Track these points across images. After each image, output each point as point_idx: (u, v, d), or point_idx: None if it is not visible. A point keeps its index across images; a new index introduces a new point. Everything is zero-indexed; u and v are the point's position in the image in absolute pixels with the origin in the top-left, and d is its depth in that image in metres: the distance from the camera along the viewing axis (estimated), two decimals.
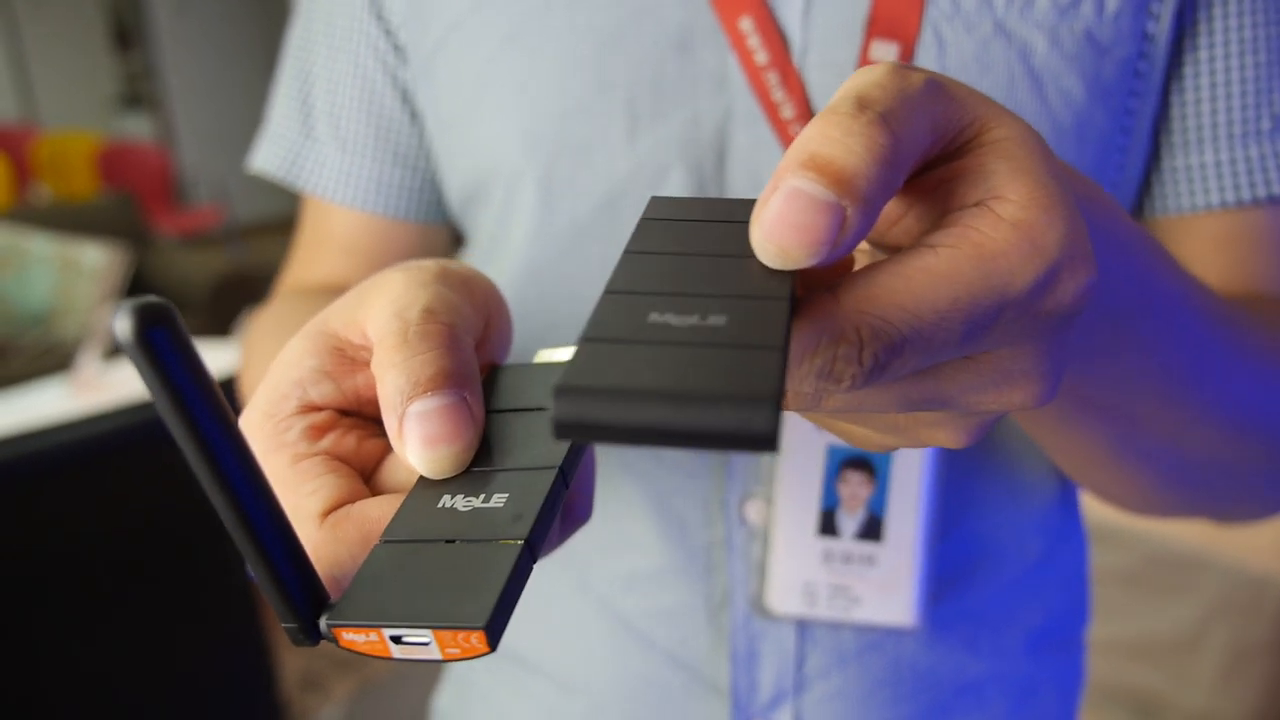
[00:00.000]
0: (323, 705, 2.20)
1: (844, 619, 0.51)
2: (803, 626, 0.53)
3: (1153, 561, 2.01)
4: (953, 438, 0.30)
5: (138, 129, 5.24)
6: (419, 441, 0.29)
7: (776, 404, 0.20)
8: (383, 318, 0.31)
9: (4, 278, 2.89)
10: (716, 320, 0.23)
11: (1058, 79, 0.46)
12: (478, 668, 0.63)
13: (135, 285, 3.17)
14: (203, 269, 3.28)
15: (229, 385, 0.59)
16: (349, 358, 0.32)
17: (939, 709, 0.55)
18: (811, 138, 0.24)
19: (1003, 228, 0.25)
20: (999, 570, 0.55)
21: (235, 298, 3.09)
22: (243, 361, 0.58)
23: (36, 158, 4.12)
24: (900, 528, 0.50)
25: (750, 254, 0.25)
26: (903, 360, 0.24)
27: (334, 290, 0.56)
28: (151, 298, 0.22)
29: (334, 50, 0.57)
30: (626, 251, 0.27)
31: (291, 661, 2.27)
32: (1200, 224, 0.51)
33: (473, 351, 0.31)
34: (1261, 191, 0.49)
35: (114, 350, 2.24)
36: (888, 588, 0.50)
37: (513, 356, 0.55)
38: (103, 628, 1.53)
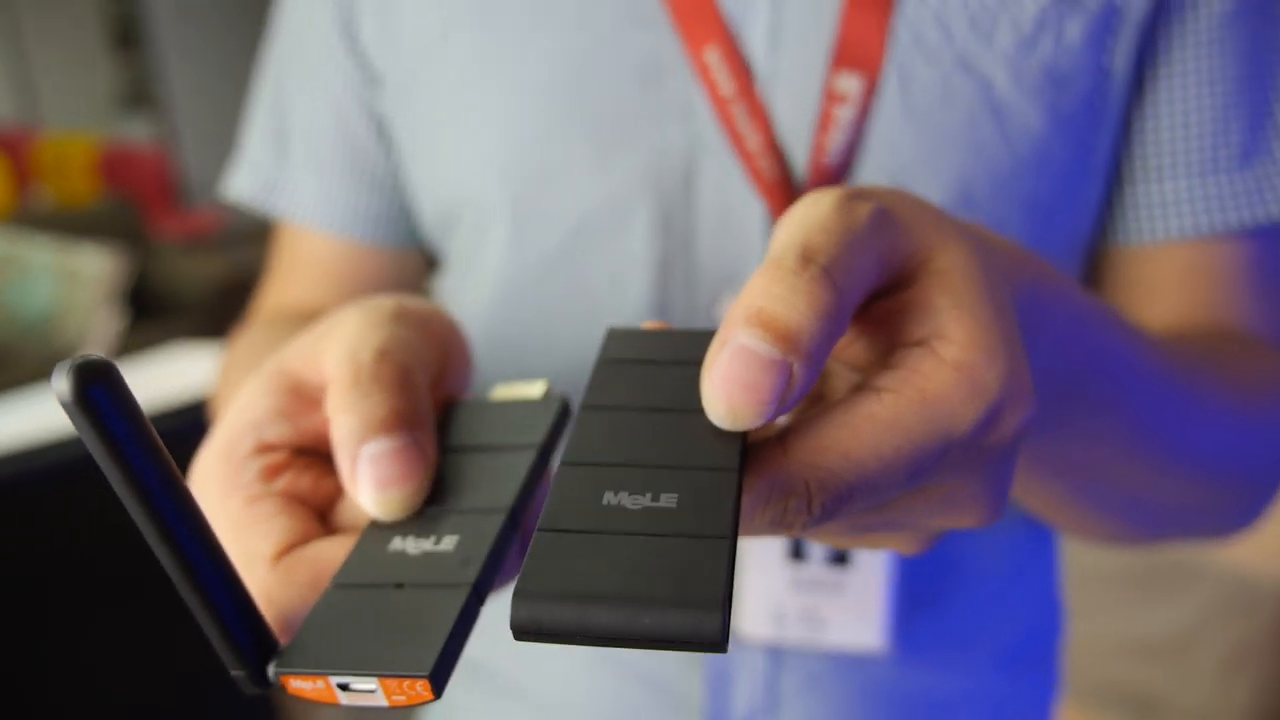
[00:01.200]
0: (323, 711, 2.21)
1: (813, 642, 0.52)
2: (774, 649, 0.53)
3: (1151, 562, 2.01)
4: (905, 549, 0.31)
5: (139, 131, 5.24)
6: (371, 484, 0.29)
7: (724, 609, 0.22)
8: (336, 358, 0.31)
9: (4, 285, 2.90)
10: (668, 501, 0.24)
11: (1018, 112, 0.47)
12: (459, 689, 0.63)
13: (136, 290, 3.17)
14: (204, 273, 3.28)
15: (186, 412, 0.59)
16: (306, 397, 0.33)
17: None
18: (757, 293, 0.25)
19: (945, 370, 0.26)
20: (970, 590, 0.56)
21: (237, 302, 3.09)
22: (218, 387, 0.58)
23: (38, 160, 4.13)
24: (868, 553, 0.50)
25: (702, 407, 0.26)
26: (851, 506, 0.26)
27: (310, 316, 0.57)
28: (91, 355, 0.22)
29: (307, 76, 0.58)
30: (583, 407, 0.28)
31: None
32: (1163, 254, 0.51)
33: (427, 391, 0.32)
34: (1221, 224, 0.50)
35: (115, 355, 2.25)
36: (856, 612, 0.51)
37: (486, 383, 0.56)
38: (104, 632, 1.54)
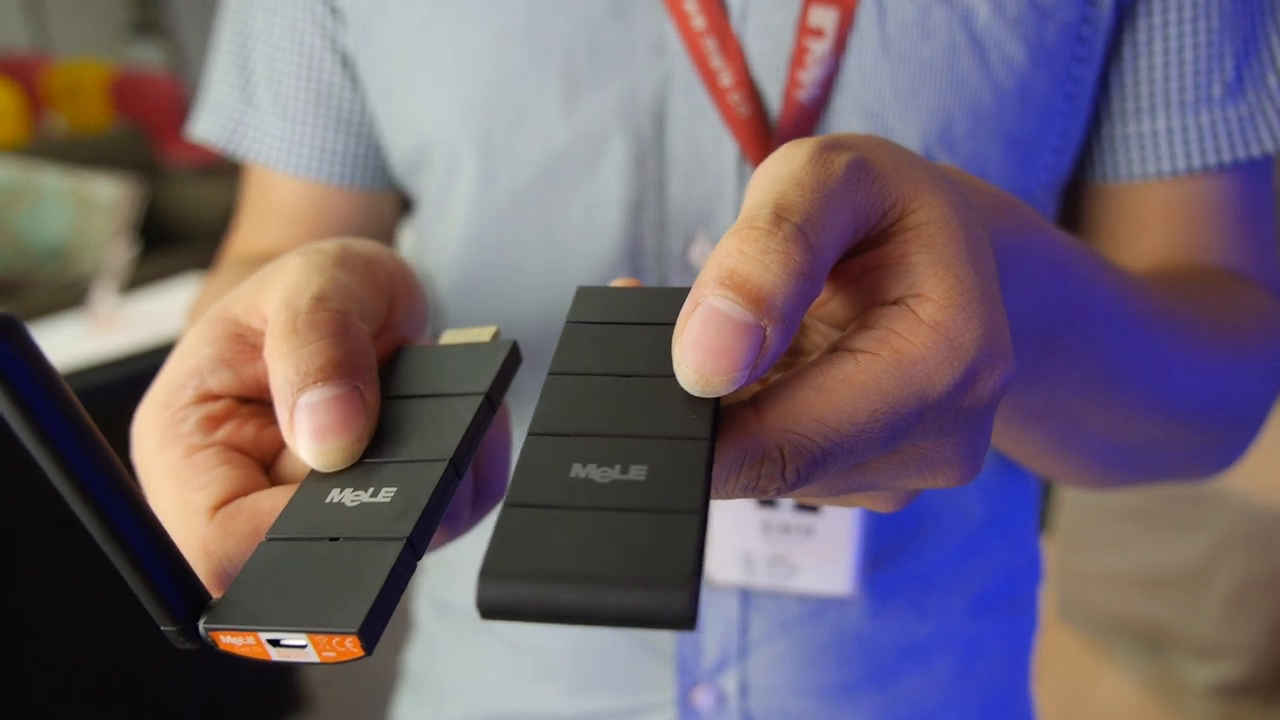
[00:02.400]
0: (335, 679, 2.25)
1: (782, 587, 0.52)
2: (745, 594, 0.53)
3: (1162, 496, 2.01)
4: (881, 507, 0.30)
5: (149, 56, 5.20)
6: (308, 434, 0.28)
7: (692, 586, 0.21)
8: (274, 305, 0.30)
9: (18, 213, 2.91)
10: (637, 473, 0.24)
11: (1000, 44, 0.45)
12: (439, 629, 0.64)
13: (149, 218, 3.17)
14: (215, 200, 3.27)
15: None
16: (249, 344, 0.32)
17: (884, 672, 0.56)
18: (729, 252, 0.24)
19: (921, 330, 0.25)
20: (941, 536, 0.55)
21: None
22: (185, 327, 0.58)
23: (50, 88, 4.11)
24: None
25: (673, 371, 0.25)
26: (825, 470, 0.25)
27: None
28: None
29: (271, 15, 0.56)
30: (551, 373, 0.28)
31: None
32: (1148, 191, 0.50)
33: (367, 338, 0.31)
34: (1212, 159, 0.48)
35: (130, 286, 2.25)
36: (825, 557, 0.50)
37: (460, 322, 0.55)
38: (111, 570, 1.56)
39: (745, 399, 0.26)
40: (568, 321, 0.30)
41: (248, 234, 0.62)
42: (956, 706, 0.58)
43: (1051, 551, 2.25)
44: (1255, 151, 0.48)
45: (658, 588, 0.21)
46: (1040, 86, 0.46)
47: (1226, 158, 0.48)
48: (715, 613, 0.53)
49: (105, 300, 2.06)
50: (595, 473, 0.24)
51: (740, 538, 0.50)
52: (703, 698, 0.55)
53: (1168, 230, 0.50)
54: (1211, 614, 1.98)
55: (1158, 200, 0.50)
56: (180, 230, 3.25)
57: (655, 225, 0.48)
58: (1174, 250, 0.50)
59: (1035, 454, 0.47)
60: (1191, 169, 0.48)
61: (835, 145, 0.27)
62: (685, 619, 0.21)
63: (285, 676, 1.85)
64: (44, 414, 0.22)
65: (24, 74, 4.04)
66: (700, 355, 0.24)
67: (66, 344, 1.94)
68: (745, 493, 0.25)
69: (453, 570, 0.61)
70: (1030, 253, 0.33)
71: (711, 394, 0.24)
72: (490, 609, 0.22)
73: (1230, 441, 0.50)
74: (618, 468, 0.24)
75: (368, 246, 0.33)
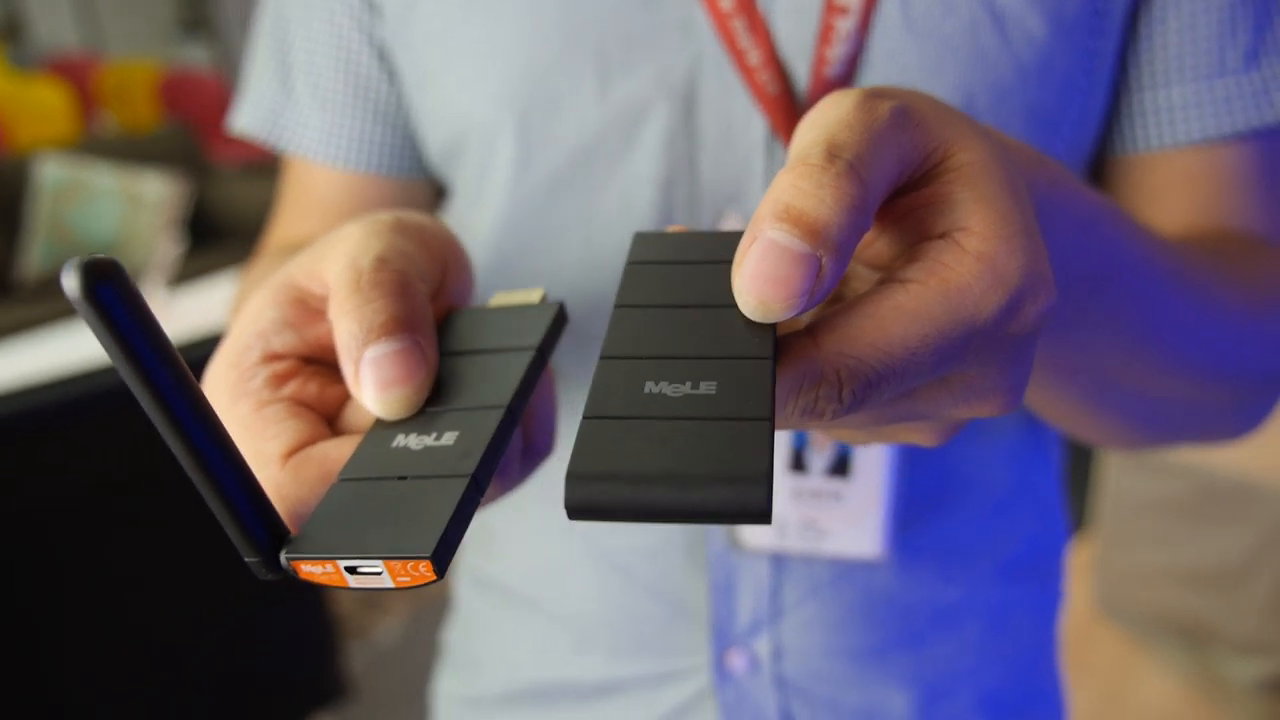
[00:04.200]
0: (381, 621, 2.29)
1: (813, 551, 0.53)
2: (777, 559, 0.54)
3: (1204, 491, 1.99)
4: (926, 440, 0.32)
5: (197, 56, 5.29)
6: (373, 385, 0.30)
7: (768, 482, 0.23)
8: (338, 268, 0.32)
9: (71, 210, 2.98)
10: (707, 388, 0.25)
11: (1020, 19, 0.46)
12: (480, 604, 0.66)
13: (196, 214, 3.23)
14: (260, 197, 3.32)
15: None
16: (311, 308, 0.34)
17: (912, 634, 0.57)
18: (785, 188, 0.25)
19: (967, 260, 0.26)
20: (969, 501, 0.56)
21: None
22: (229, 319, 0.60)
23: (102, 87, 4.19)
24: (867, 465, 0.51)
25: (732, 302, 0.27)
26: (879, 394, 0.26)
27: None
28: (99, 255, 0.23)
29: (308, 8, 0.57)
30: (617, 306, 0.29)
31: None
32: (1169, 160, 0.51)
33: (425, 297, 0.33)
34: (1228, 127, 0.49)
35: (177, 280, 2.30)
36: (855, 521, 0.52)
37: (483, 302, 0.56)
38: (160, 555, 1.59)
39: (800, 328, 0.27)
40: (628, 262, 0.31)
41: (287, 224, 0.64)
42: (985, 670, 0.60)
43: (1092, 547, 2.23)
44: (1270, 119, 0.49)
45: (738, 484, 0.23)
46: (1060, 60, 0.47)
47: (1243, 125, 0.49)
48: (748, 576, 0.55)
49: (154, 294, 2.11)
50: (667, 389, 0.26)
51: (773, 503, 0.52)
52: (737, 660, 0.56)
53: (1189, 198, 0.51)
54: (1255, 609, 1.96)
55: (1178, 169, 0.51)
56: (227, 226, 3.31)
57: (686, 202, 0.50)
58: (1196, 216, 0.50)
59: (1069, 413, 0.48)
60: (1209, 137, 0.49)
61: (879, 94, 0.28)
62: (763, 512, 0.23)
63: (326, 664, 1.88)
64: (144, 354, 0.23)
65: (76, 74, 4.13)
66: (760, 283, 0.25)
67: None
68: (803, 417, 0.27)
69: (492, 546, 0.63)
70: (1062, 208, 0.34)
71: (771, 319, 0.26)
72: (578, 509, 0.24)
73: (1256, 400, 0.51)
74: (688, 384, 0.26)
75: (420, 217, 0.35)
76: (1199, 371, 0.46)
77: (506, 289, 0.54)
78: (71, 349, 1.95)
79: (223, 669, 1.74)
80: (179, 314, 2.10)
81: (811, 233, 0.25)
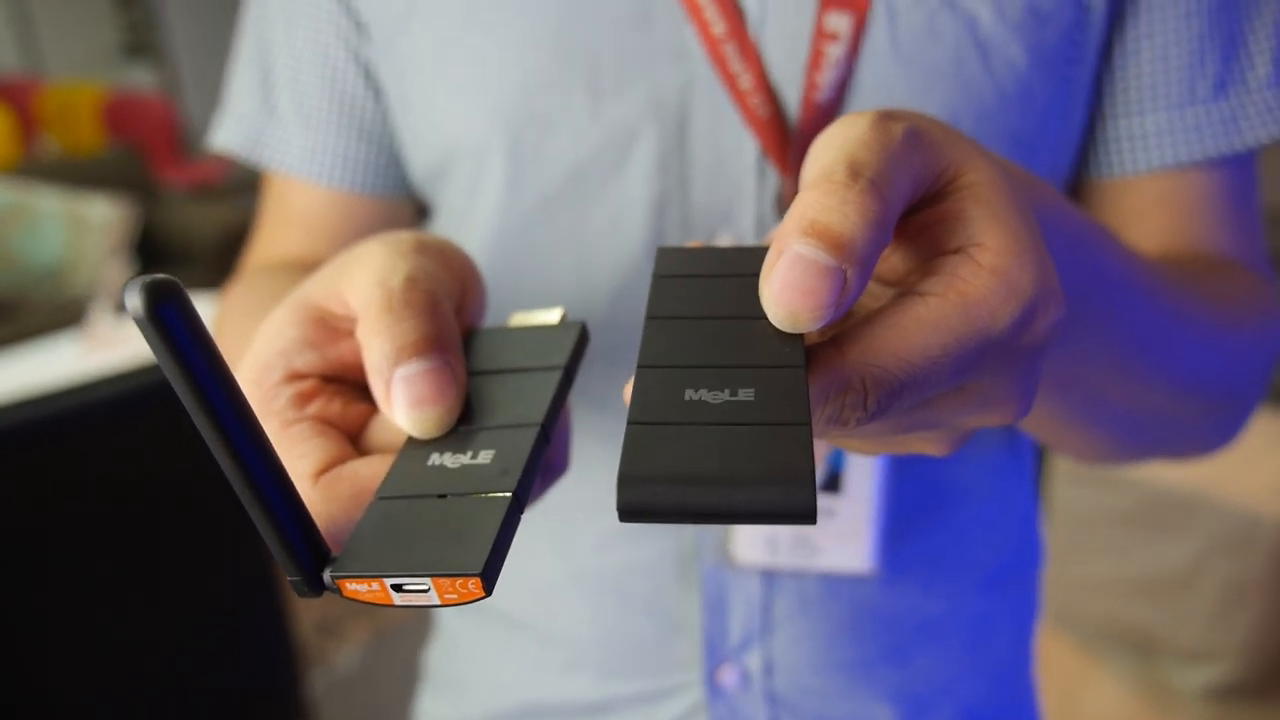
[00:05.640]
0: (339, 649, 2.26)
1: (806, 567, 0.54)
2: (768, 575, 0.55)
3: (1150, 502, 2.04)
4: (938, 449, 0.33)
5: (141, 79, 5.21)
6: (406, 403, 0.31)
7: (813, 482, 0.24)
8: (366, 287, 0.32)
9: (14, 233, 2.91)
10: (745, 395, 0.26)
11: (1002, 48, 0.48)
12: (463, 625, 0.66)
13: (143, 239, 3.19)
14: (209, 222, 3.29)
15: None
16: (331, 327, 0.34)
17: (899, 647, 0.58)
18: (810, 204, 0.26)
19: (983, 274, 0.28)
20: (954, 514, 0.58)
21: (242, 250, 3.10)
22: (215, 337, 0.59)
23: (43, 109, 4.12)
24: (858, 481, 0.52)
25: (760, 314, 0.28)
26: (901, 402, 0.27)
27: (300, 266, 0.58)
28: (160, 275, 0.23)
29: (292, 26, 0.57)
30: (649, 318, 0.30)
31: (308, 607, 2.32)
32: (1143, 185, 0.53)
33: (452, 317, 0.33)
34: (1199, 154, 0.51)
35: (124, 306, 2.26)
36: (846, 537, 0.53)
37: (488, 324, 0.57)
38: (118, 582, 1.56)
39: (825, 340, 0.28)
40: (655, 276, 0.32)
41: (268, 241, 0.63)
42: (968, 682, 0.61)
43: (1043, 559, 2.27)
44: (1239, 146, 0.51)
45: (783, 485, 0.23)
46: (1039, 88, 0.49)
47: (1213, 152, 0.51)
48: (739, 592, 0.56)
49: (101, 319, 2.07)
50: (707, 395, 0.26)
51: None
52: (728, 676, 0.57)
53: (1163, 220, 0.53)
54: (1200, 617, 2.01)
55: (1151, 193, 0.53)
56: (176, 251, 3.26)
57: (678, 224, 0.51)
58: (1170, 238, 0.53)
59: (1055, 427, 0.49)
60: (1180, 163, 0.52)
61: (892, 115, 0.30)
62: (809, 512, 0.23)
63: (286, 690, 1.85)
64: (202, 375, 0.23)
65: (16, 96, 4.05)
66: (789, 295, 0.26)
67: (62, 363, 1.95)
68: (829, 425, 0.28)
69: None
70: (1053, 225, 0.35)
71: (800, 329, 0.27)
72: (630, 511, 0.24)
73: (1230, 414, 0.53)
74: (727, 391, 0.26)
75: (438, 238, 0.36)
76: (1177, 385, 0.48)
77: (495, 308, 0.55)
78: (19, 373, 1.91)
79: (181, 696, 1.71)
80: (127, 338, 2.06)
81: (837, 246, 0.26)
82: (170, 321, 0.22)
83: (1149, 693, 2.08)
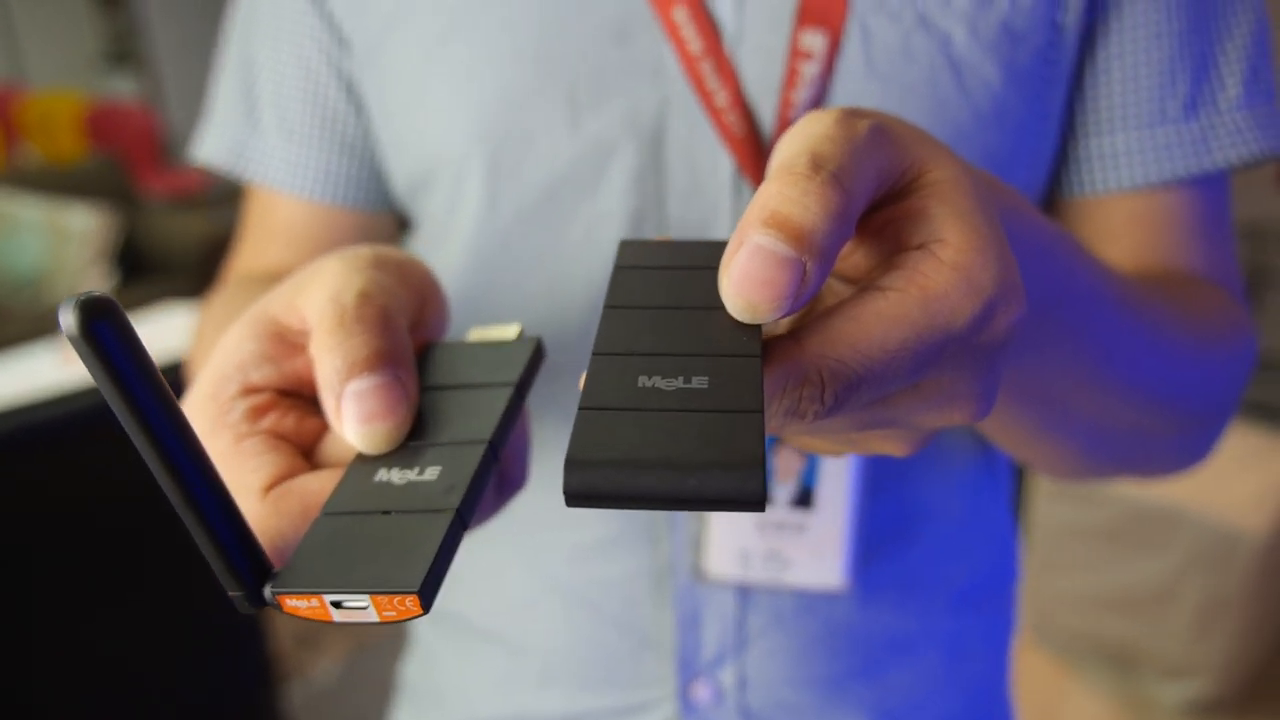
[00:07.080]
0: (318, 662, 2.24)
1: (777, 582, 0.54)
2: (742, 590, 0.55)
3: (1129, 517, 2.05)
4: (899, 448, 0.33)
5: (123, 88, 5.19)
6: (356, 419, 0.31)
7: (763, 469, 0.23)
8: (320, 302, 0.32)
9: None
10: (699, 382, 0.26)
11: (977, 68, 0.48)
12: (438, 638, 0.65)
13: (124, 248, 3.17)
14: (190, 231, 3.27)
15: (174, 370, 0.60)
16: (288, 342, 0.34)
17: (873, 664, 0.58)
18: (771, 195, 0.26)
19: (944, 270, 0.28)
20: (928, 532, 0.58)
21: (223, 260, 3.08)
22: (192, 348, 0.59)
23: (24, 118, 4.10)
24: (830, 497, 0.52)
25: (719, 305, 0.28)
26: (859, 396, 0.27)
27: (280, 279, 0.58)
28: (94, 292, 0.23)
29: (275, 40, 0.58)
30: (607, 306, 0.30)
31: (287, 619, 2.31)
32: (1113, 204, 0.53)
33: (406, 332, 0.33)
34: (1170, 173, 0.52)
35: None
36: (818, 553, 0.53)
37: (456, 336, 0.57)
38: (97, 593, 1.55)
39: (782, 333, 0.28)
40: (616, 267, 0.32)
41: (250, 254, 0.63)
42: (943, 698, 0.61)
43: (1022, 574, 2.28)
44: (1209, 166, 0.51)
45: (734, 471, 0.23)
46: (1013, 107, 0.49)
47: (1183, 172, 0.52)
48: (713, 607, 0.56)
49: None
50: (660, 383, 0.26)
51: (737, 534, 0.53)
52: (702, 691, 0.57)
53: (1135, 238, 0.53)
54: (1178, 633, 2.01)
55: (1123, 212, 0.53)
56: (157, 260, 3.25)
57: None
58: (1143, 256, 0.53)
59: (1024, 440, 0.50)
60: (1151, 182, 0.52)
61: (857, 113, 0.30)
62: (758, 498, 0.23)
63: (264, 703, 1.84)
64: (138, 390, 0.23)
65: None
66: (747, 286, 0.26)
67: (41, 372, 1.93)
68: (786, 418, 0.27)
69: (453, 580, 0.63)
70: (1024, 233, 0.36)
71: (758, 320, 0.27)
72: (577, 495, 0.24)
73: (1202, 431, 0.54)
74: (681, 378, 0.26)
75: (397, 252, 0.36)
76: (1146, 399, 0.48)
77: (473, 322, 0.55)
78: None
79: (161, 707, 1.70)
80: None
81: (797, 238, 0.26)
82: (104, 339, 0.22)
83: (1128, 708, 2.09)
